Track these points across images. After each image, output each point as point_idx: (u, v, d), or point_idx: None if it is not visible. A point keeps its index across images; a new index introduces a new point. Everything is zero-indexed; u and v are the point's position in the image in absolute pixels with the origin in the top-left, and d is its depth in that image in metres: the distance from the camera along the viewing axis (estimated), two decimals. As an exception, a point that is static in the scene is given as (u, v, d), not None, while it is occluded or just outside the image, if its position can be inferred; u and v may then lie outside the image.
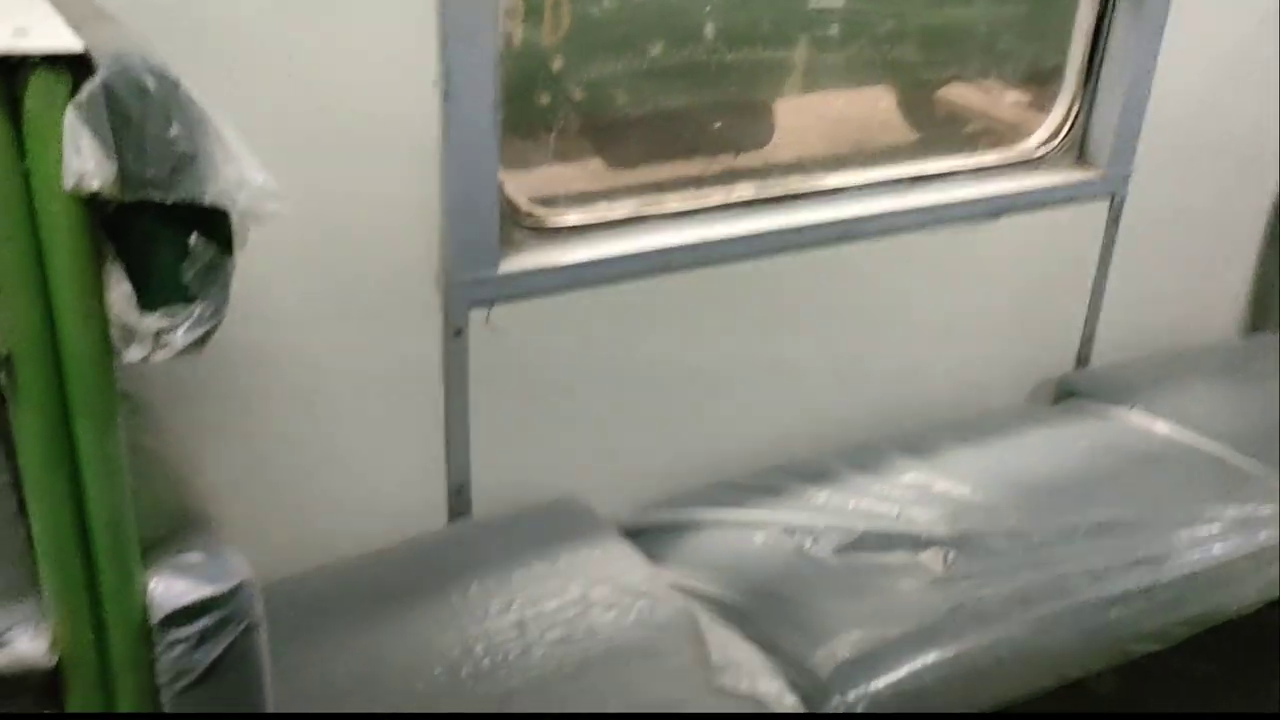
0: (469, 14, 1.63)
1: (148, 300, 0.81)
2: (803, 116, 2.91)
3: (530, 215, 1.88)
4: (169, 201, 0.79)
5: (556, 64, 2.11)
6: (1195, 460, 2.18)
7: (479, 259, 1.78)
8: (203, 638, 0.97)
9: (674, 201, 2.04)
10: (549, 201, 1.94)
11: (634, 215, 1.99)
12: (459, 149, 1.70)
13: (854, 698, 1.56)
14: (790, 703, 1.55)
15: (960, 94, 2.72)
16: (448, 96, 1.66)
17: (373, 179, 1.67)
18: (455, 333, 1.81)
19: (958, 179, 2.32)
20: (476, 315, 1.82)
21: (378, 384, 1.80)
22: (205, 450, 1.64)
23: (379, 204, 1.69)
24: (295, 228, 1.61)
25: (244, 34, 1.51)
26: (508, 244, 1.84)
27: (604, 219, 1.96)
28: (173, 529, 1.02)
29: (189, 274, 0.82)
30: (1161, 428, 2.28)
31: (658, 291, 1.98)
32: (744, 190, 2.11)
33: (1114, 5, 2.32)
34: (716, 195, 2.09)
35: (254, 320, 1.66)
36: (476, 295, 1.80)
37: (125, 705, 0.97)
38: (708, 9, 2.12)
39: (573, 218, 1.93)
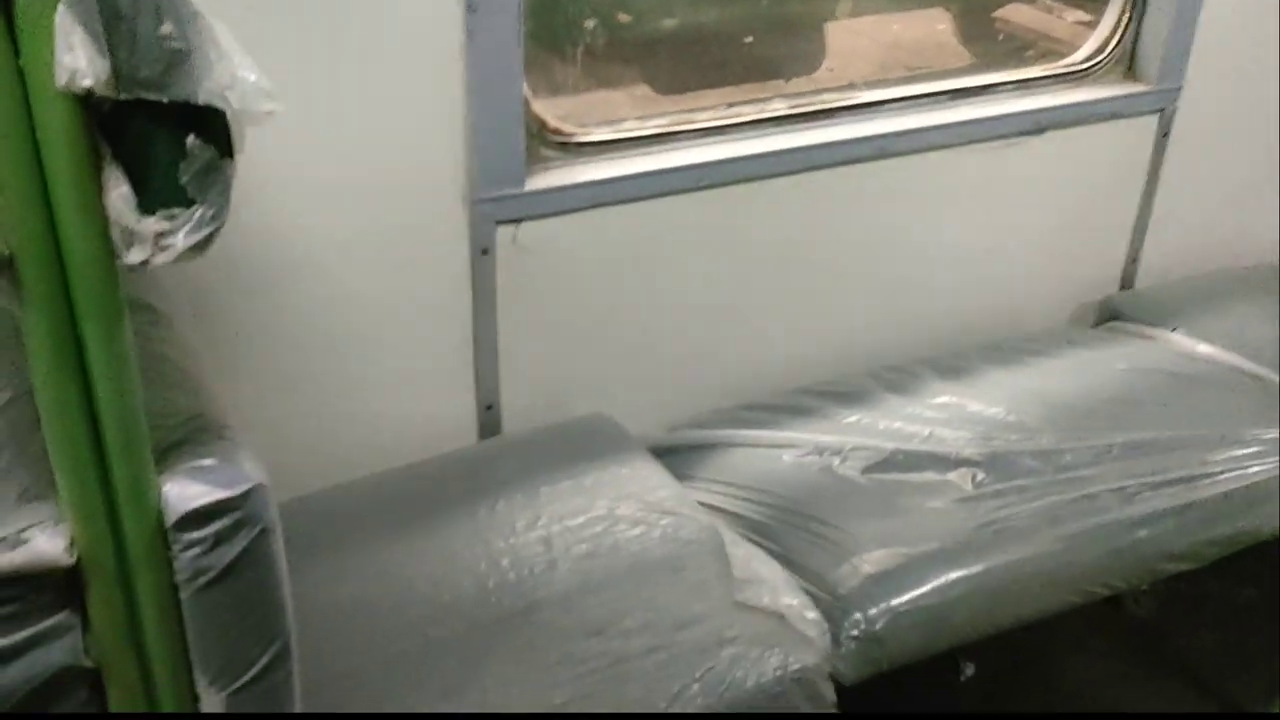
0: (490, -80, 1.61)
1: (146, 202, 0.81)
2: (856, 39, 2.84)
3: (557, 131, 1.86)
4: (164, 101, 0.79)
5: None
6: (1236, 381, 2.13)
7: (504, 176, 1.77)
8: (218, 540, 0.99)
9: (705, 117, 2.01)
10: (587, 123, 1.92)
11: (664, 131, 1.96)
12: (482, 63, 1.68)
13: (875, 613, 1.57)
14: (812, 618, 1.56)
15: (1020, 14, 2.64)
16: (470, 7, 1.64)
17: (395, 93, 1.66)
18: (482, 251, 1.81)
19: (1000, 92, 2.25)
20: (503, 233, 1.81)
21: (406, 303, 1.81)
22: (234, 367, 1.67)
23: (401, 120, 1.68)
24: (317, 145, 1.63)
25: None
26: (534, 160, 1.82)
27: (632, 134, 1.93)
28: (189, 435, 1.03)
29: (186, 175, 0.81)
30: (1204, 349, 2.23)
31: (688, 209, 1.96)
32: (777, 105, 2.07)
33: (1168, -91, 2.23)
34: (749, 110, 2.05)
35: (280, 237, 1.67)
36: (503, 213, 1.80)
37: (146, 602, 0.99)
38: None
39: (601, 133, 1.91)
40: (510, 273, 1.84)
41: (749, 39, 2.43)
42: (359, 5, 1.58)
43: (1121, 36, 2.33)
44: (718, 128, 2.00)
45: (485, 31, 1.66)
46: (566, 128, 1.87)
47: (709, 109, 2.04)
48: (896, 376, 2.13)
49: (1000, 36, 2.72)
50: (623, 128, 1.94)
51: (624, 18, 2.26)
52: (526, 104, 1.77)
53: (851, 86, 2.18)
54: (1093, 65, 2.33)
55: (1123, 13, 2.32)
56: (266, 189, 1.60)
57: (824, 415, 2.01)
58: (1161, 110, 2.37)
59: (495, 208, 1.78)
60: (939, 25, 2.97)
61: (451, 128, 1.72)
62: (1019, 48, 2.56)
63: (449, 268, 1.81)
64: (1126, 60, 2.36)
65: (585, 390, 2.00)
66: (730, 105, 2.06)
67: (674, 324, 2.04)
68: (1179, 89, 2.36)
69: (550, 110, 1.85)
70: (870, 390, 2.08)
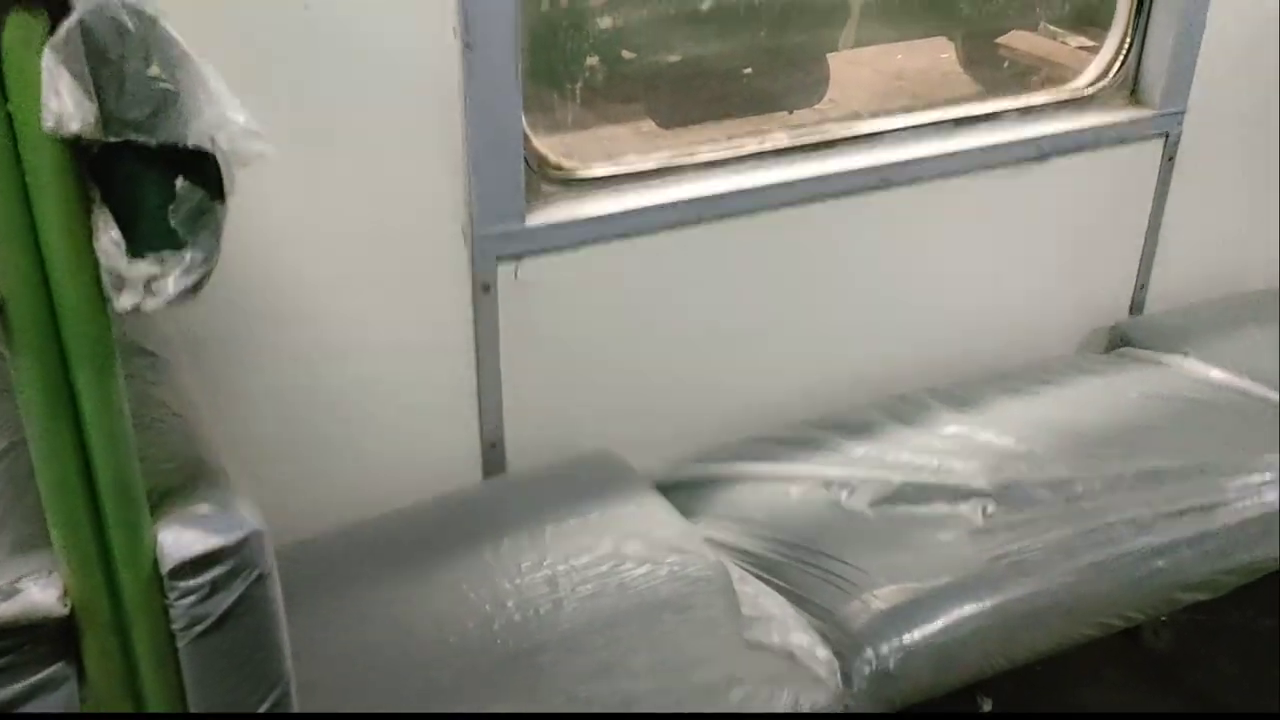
0: (486, -39, 1.61)
1: (136, 246, 0.81)
2: (859, 70, 2.84)
3: (558, 167, 1.85)
4: (153, 144, 0.78)
5: (604, 22, 2.07)
6: (1250, 407, 2.10)
7: (505, 212, 1.77)
8: (214, 588, 0.97)
9: (706, 150, 2.00)
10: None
11: (664, 165, 1.95)
12: (481, 100, 1.68)
13: (887, 650, 1.54)
14: (822, 656, 1.53)
15: (1023, 41, 2.65)
16: (469, 46, 1.64)
17: (395, 132, 1.66)
18: (483, 288, 1.80)
19: (1004, 120, 2.25)
20: (505, 269, 1.81)
21: (408, 340, 1.80)
22: (233, 408, 1.66)
23: (401, 157, 1.68)
24: (316, 183, 1.62)
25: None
26: (534, 196, 1.82)
27: (633, 169, 1.93)
28: (185, 482, 1.02)
29: (176, 218, 0.80)
30: (1216, 375, 2.21)
31: (690, 243, 1.95)
32: (779, 137, 2.06)
33: (1168, -66, 2.23)
34: (751, 143, 2.04)
35: (281, 277, 1.67)
36: (503, 249, 1.79)
37: (142, 651, 0.98)
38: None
39: (601, 168, 1.90)
40: (512, 309, 1.83)
41: (752, 72, 2.43)
42: (357, 44, 1.58)
43: (1124, 61, 2.33)
44: (719, 161, 1.99)
45: (483, 68, 1.66)
46: (567, 163, 1.86)
47: (711, 142, 2.04)
48: (904, 407, 2.11)
49: (1004, 64, 2.72)
50: (623, 162, 1.93)
51: (627, 54, 2.25)
52: (527, 139, 1.77)
53: (854, 116, 2.18)
54: (1096, 91, 2.33)
55: (1125, 37, 2.32)
56: (266, 227, 1.60)
57: (831, 448, 1.99)
58: (1166, 135, 2.36)
59: (496, 244, 1.78)
60: (942, 54, 2.98)
61: (451, 164, 1.71)
62: (1022, 73, 2.56)
63: (450, 304, 1.80)
64: (1130, 85, 2.35)
65: (590, 426, 1.98)
66: (731, 138, 2.05)
67: (678, 358, 2.03)
68: (1183, 113, 2.35)
69: (555, 147, 1.84)
70: (877, 421, 2.06)
